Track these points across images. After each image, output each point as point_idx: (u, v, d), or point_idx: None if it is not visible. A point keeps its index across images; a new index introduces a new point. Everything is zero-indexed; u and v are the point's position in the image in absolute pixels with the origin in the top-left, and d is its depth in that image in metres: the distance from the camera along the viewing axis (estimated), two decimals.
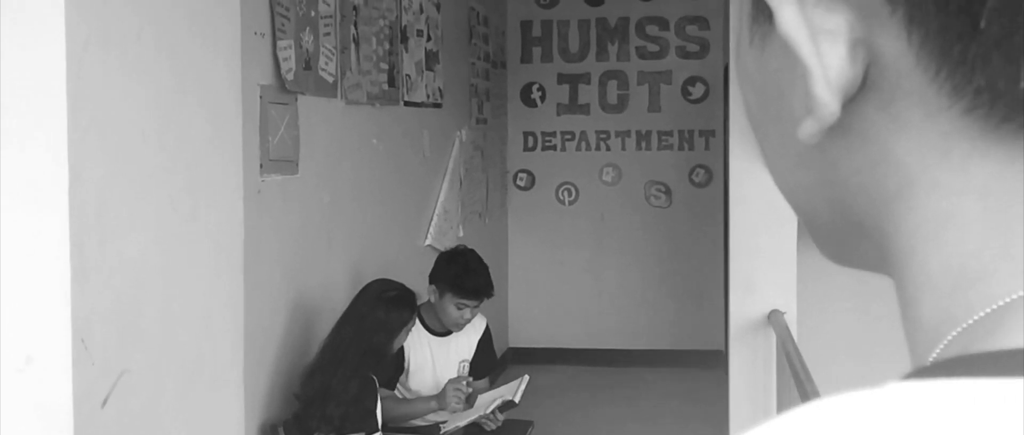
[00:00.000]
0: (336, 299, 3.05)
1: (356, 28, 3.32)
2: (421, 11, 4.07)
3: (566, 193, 5.95)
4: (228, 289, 2.02)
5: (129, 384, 1.67)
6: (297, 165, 2.89)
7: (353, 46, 3.29)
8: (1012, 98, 0.29)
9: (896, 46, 0.31)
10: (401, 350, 3.10)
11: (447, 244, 4.23)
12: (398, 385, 3.23)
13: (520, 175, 5.97)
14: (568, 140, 5.92)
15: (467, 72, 4.96)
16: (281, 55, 2.74)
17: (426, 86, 4.16)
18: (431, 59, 4.22)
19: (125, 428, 1.67)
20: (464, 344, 3.32)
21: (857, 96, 0.32)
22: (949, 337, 0.31)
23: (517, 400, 3.09)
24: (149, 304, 1.73)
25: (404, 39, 3.84)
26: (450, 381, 3.12)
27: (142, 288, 1.71)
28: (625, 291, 5.94)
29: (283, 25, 2.75)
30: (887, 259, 0.34)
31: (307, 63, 2.93)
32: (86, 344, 1.56)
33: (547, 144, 5.94)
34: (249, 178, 2.54)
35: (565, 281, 5.96)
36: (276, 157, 2.74)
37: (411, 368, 3.23)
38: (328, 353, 2.71)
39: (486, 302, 3.32)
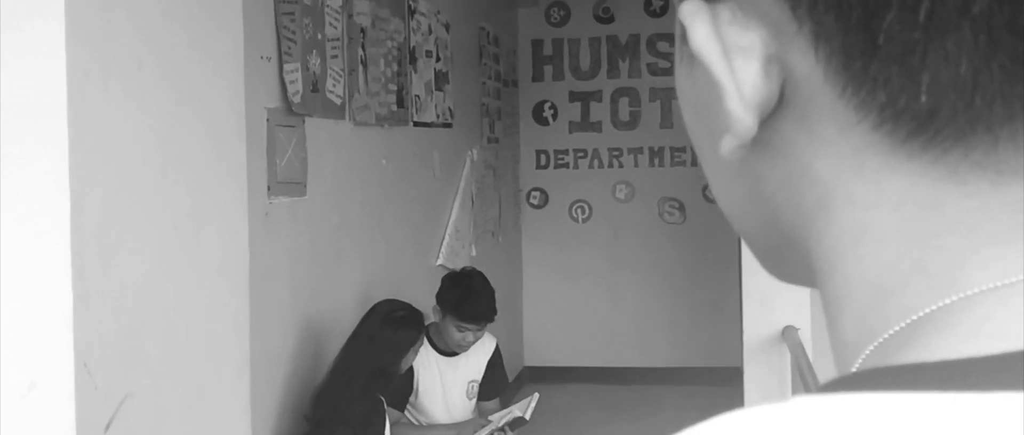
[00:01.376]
0: (346, 320, 3.05)
1: (364, 50, 3.35)
2: (430, 32, 4.09)
3: (579, 211, 5.95)
4: (233, 312, 2.03)
5: (133, 408, 1.68)
6: (305, 187, 2.91)
7: (361, 68, 3.31)
8: (915, 114, 0.29)
9: (805, 63, 0.31)
10: (410, 370, 3.11)
11: (459, 264, 4.24)
12: (408, 406, 3.23)
13: (533, 193, 5.97)
14: (581, 158, 5.92)
15: (478, 92, 4.97)
16: (288, 78, 2.76)
17: (436, 106, 4.18)
18: (441, 79, 4.24)
19: None
20: (474, 364, 3.32)
21: (775, 112, 0.32)
22: (867, 351, 0.31)
23: (528, 417, 3.09)
24: (152, 328, 1.74)
25: (413, 60, 3.86)
26: (474, 421, 3.13)
27: (145, 312, 1.72)
28: (640, 308, 5.92)
29: (289, 48, 2.77)
30: (813, 273, 0.35)
31: (314, 85, 2.95)
32: (89, 368, 1.57)
33: (560, 162, 5.94)
34: (256, 200, 2.56)
35: (580, 299, 5.95)
36: (284, 179, 2.76)
37: (420, 388, 3.23)
38: (336, 375, 2.72)
39: (500, 321, 3.31)
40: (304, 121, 2.89)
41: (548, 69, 5.91)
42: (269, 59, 2.69)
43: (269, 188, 2.68)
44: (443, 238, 4.32)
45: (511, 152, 5.73)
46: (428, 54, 4.07)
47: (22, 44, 1.49)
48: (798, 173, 0.33)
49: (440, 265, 4.17)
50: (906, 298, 0.30)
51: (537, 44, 5.90)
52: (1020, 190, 0.29)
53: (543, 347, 5.95)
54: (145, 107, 1.72)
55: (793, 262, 0.36)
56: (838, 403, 0.27)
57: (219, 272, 1.97)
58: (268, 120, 2.67)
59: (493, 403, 3.39)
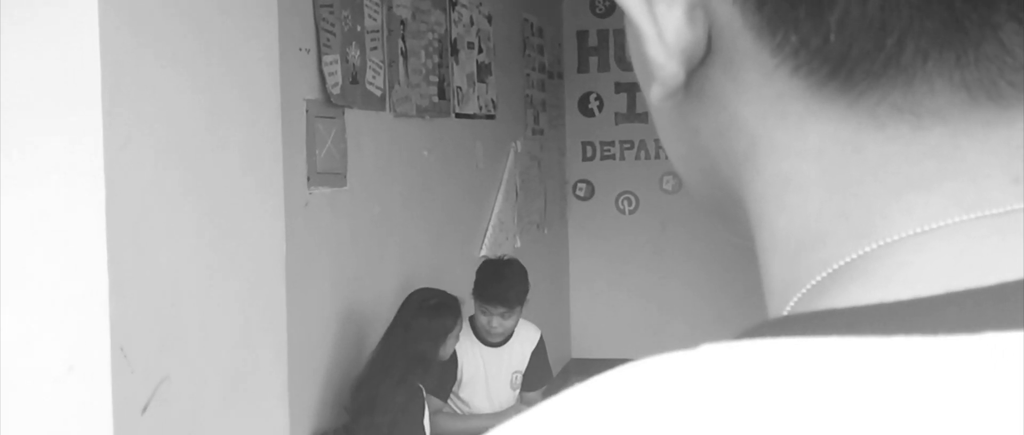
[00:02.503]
0: (386, 311, 3.08)
1: (404, 42, 3.37)
2: (472, 24, 4.10)
3: (626, 202, 5.92)
4: (270, 300, 2.06)
5: (169, 391, 1.72)
6: (345, 177, 2.94)
7: (401, 59, 3.33)
8: (827, 55, 0.28)
9: (725, 7, 0.30)
10: (454, 359, 3.12)
11: (503, 255, 4.24)
12: (451, 395, 3.25)
13: (579, 185, 5.95)
14: (627, 149, 5.89)
15: (522, 83, 4.97)
16: (327, 70, 2.79)
17: (478, 98, 4.18)
18: (483, 71, 4.25)
19: (166, 434, 1.71)
20: (517, 355, 3.33)
21: (706, 60, 0.32)
22: (792, 302, 0.30)
23: None
24: (189, 315, 1.78)
25: (454, 52, 3.88)
26: (518, 407, 3.14)
27: (181, 299, 1.76)
28: (688, 300, 5.87)
29: (328, 40, 2.80)
30: (749, 229, 0.34)
31: (354, 77, 2.97)
32: (125, 352, 1.60)
33: (606, 153, 5.92)
34: (296, 191, 2.59)
35: (627, 291, 5.93)
36: (323, 170, 2.79)
37: (464, 378, 3.25)
38: (375, 364, 2.75)
39: (547, 313, 3.31)
40: (343, 112, 2.92)
41: (593, 60, 5.88)
42: (308, 51, 2.72)
43: (309, 179, 2.71)
44: (487, 229, 4.33)
45: (556, 144, 5.72)
46: (470, 46, 4.08)
47: (57, 33, 1.53)
48: (728, 122, 0.32)
49: (483, 256, 4.19)
50: (829, 248, 0.30)
51: (582, 35, 5.88)
52: (941, 133, 0.28)
53: (590, 339, 5.94)
54: (181, 97, 1.75)
55: (735, 217, 0.36)
56: (741, 349, 0.26)
57: (256, 260, 2.00)
58: (307, 111, 2.70)
59: (536, 394, 3.39)
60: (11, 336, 1.58)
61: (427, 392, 2.94)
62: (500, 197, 4.49)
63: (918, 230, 0.28)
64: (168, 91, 1.71)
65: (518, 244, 4.72)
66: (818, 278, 0.30)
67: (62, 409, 1.57)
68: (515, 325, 3.25)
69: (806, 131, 0.30)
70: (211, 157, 1.84)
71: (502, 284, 3.14)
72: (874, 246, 0.29)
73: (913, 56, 0.27)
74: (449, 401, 3.25)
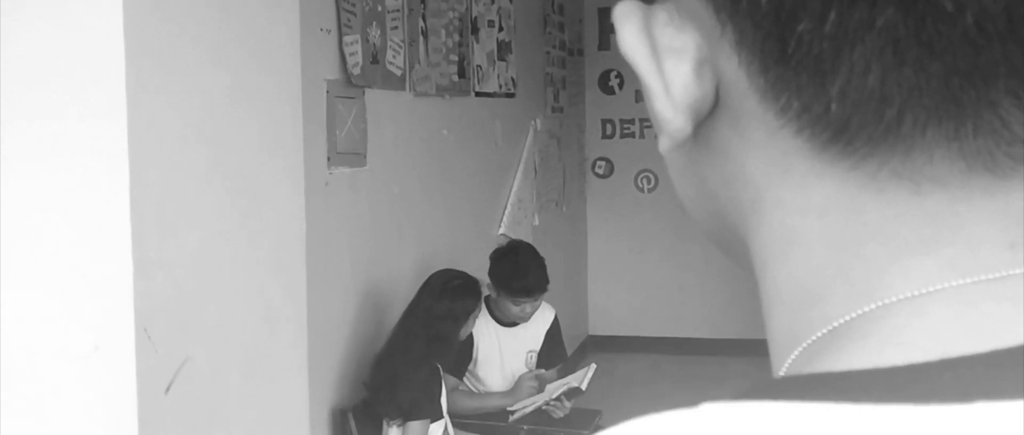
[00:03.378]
0: (406, 289, 3.11)
1: (424, 21, 3.37)
2: (492, 2, 4.09)
3: (645, 180, 5.91)
4: (291, 280, 2.08)
5: (192, 371, 1.75)
6: (365, 157, 2.95)
7: (421, 39, 3.34)
8: (828, 122, 0.29)
9: (731, 66, 0.31)
10: (470, 339, 3.15)
11: (522, 233, 4.26)
12: (467, 374, 3.28)
13: (598, 163, 5.95)
14: (647, 127, 5.87)
15: (542, 61, 4.96)
16: (347, 50, 2.80)
17: (498, 76, 4.18)
18: (503, 49, 4.24)
19: (189, 412, 1.74)
20: (532, 334, 3.35)
21: (714, 113, 0.32)
22: (792, 356, 0.31)
23: (584, 388, 3.10)
24: (211, 295, 1.80)
25: (474, 30, 3.87)
26: (524, 376, 3.16)
27: (204, 280, 1.78)
28: (707, 278, 5.87)
29: (349, 20, 2.81)
30: (752, 267, 0.35)
31: (374, 57, 2.98)
32: (149, 333, 1.63)
33: (626, 131, 5.91)
34: (316, 171, 2.61)
35: (646, 268, 5.93)
36: (344, 150, 2.81)
37: (479, 357, 3.27)
38: (395, 343, 2.77)
39: (565, 290, 3.33)
40: (364, 93, 2.93)
41: (614, 38, 5.84)
42: (329, 31, 2.73)
43: (329, 159, 2.73)
44: (505, 207, 4.34)
45: (576, 121, 5.71)
46: (490, 24, 4.07)
47: (81, 13, 1.55)
48: (735, 174, 0.33)
49: (502, 234, 4.20)
50: (829, 305, 0.30)
51: (604, 12, 5.85)
52: (940, 200, 0.29)
53: (608, 316, 5.95)
54: (204, 77, 1.77)
55: (740, 255, 0.37)
56: (741, 411, 0.27)
57: (277, 240, 2.02)
58: (328, 92, 2.71)
59: (552, 372, 3.41)
60: (37, 316, 1.61)
61: (443, 371, 2.97)
62: (519, 175, 4.50)
63: (915, 293, 0.29)
64: (191, 71, 1.73)
65: (536, 222, 4.73)
66: (818, 334, 0.30)
67: (87, 388, 1.60)
68: (540, 304, 3.29)
69: (809, 190, 0.31)
70: (233, 138, 1.86)
71: (529, 277, 3.16)
72: (872, 307, 0.29)
73: (912, 127, 0.28)
74: (464, 380, 3.28)
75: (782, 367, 0.31)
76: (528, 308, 3.21)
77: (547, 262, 3.28)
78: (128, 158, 1.57)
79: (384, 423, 2.70)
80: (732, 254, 0.38)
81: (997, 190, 0.29)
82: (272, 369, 2.03)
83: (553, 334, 3.41)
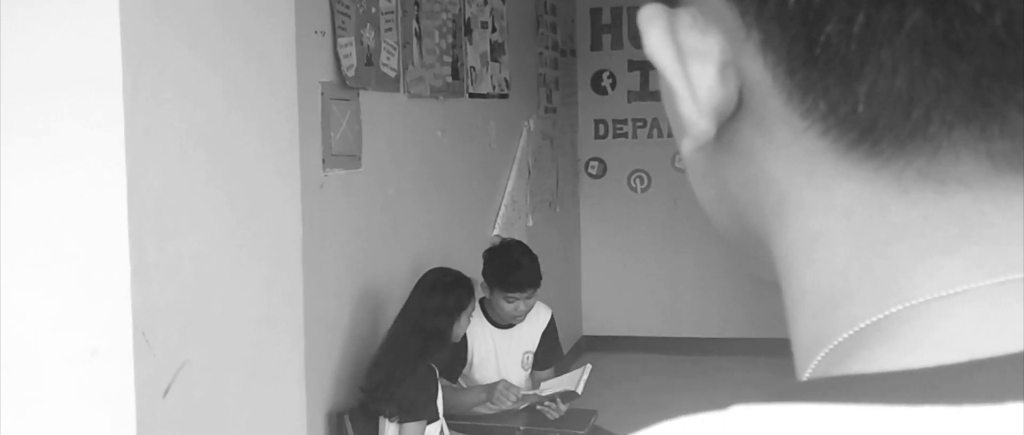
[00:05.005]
0: (402, 291, 3.11)
1: (418, 22, 3.37)
2: (485, 3, 4.10)
3: (638, 180, 5.93)
4: (287, 283, 2.08)
5: (190, 374, 1.75)
6: (360, 159, 2.96)
7: (415, 41, 3.34)
8: (854, 123, 0.29)
9: (756, 68, 0.31)
10: (464, 342, 3.14)
11: (516, 233, 4.26)
12: (461, 378, 3.27)
13: (591, 163, 5.96)
14: (639, 127, 5.89)
15: (535, 62, 4.97)
16: (342, 52, 2.80)
17: (492, 77, 4.19)
18: (496, 50, 4.25)
19: (186, 415, 1.74)
20: (528, 335, 3.35)
21: (736, 115, 0.33)
22: (818, 358, 0.31)
23: (579, 391, 3.11)
24: (209, 299, 1.81)
25: (468, 32, 3.88)
26: (503, 382, 3.14)
27: (202, 284, 1.78)
28: (700, 278, 5.89)
29: (343, 23, 2.81)
30: (776, 274, 0.35)
31: (369, 59, 2.99)
32: (147, 337, 1.63)
33: (618, 132, 5.92)
34: (311, 174, 2.61)
35: (639, 268, 5.94)
36: (338, 152, 2.81)
37: (474, 360, 3.27)
38: (390, 343, 2.78)
39: (558, 290, 3.32)
40: (358, 95, 2.94)
41: (606, 38, 5.87)
42: (323, 34, 2.73)
43: (324, 161, 2.73)
44: (499, 208, 4.35)
45: (569, 122, 5.72)
46: (483, 25, 4.08)
47: (77, 17, 1.55)
48: (758, 176, 0.33)
49: (496, 235, 4.20)
50: (855, 306, 0.30)
51: (595, 13, 5.86)
52: (965, 199, 0.29)
53: (601, 316, 5.96)
54: (201, 81, 1.77)
55: (763, 260, 0.37)
56: (772, 414, 0.27)
57: (274, 244, 2.03)
58: (322, 94, 2.72)
59: (547, 373, 3.41)
60: (36, 321, 1.61)
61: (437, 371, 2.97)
62: (513, 176, 4.51)
63: (942, 293, 0.29)
64: (188, 76, 1.73)
65: (530, 223, 4.73)
66: (845, 335, 0.30)
67: (86, 393, 1.61)
68: (534, 303, 3.28)
69: (834, 190, 0.31)
70: (230, 141, 1.86)
71: (521, 271, 3.16)
72: (899, 308, 0.29)
73: (939, 127, 0.28)
74: (458, 382, 3.27)
75: (807, 370, 0.31)
76: (522, 305, 3.20)
77: (541, 263, 3.28)
78: (125, 162, 1.57)
79: (380, 422, 2.70)
80: (753, 259, 0.38)
81: (1021, 191, 0.29)
82: (269, 372, 2.03)
83: (549, 334, 3.41)
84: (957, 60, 0.27)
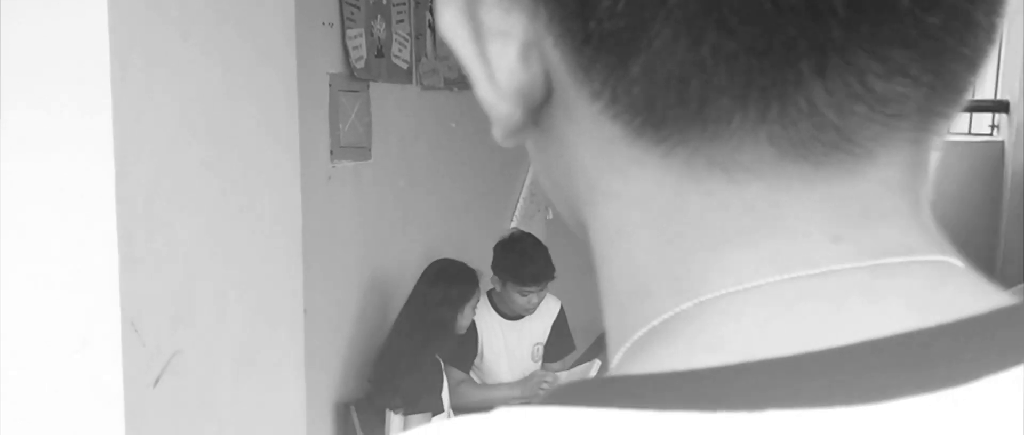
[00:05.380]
0: (410, 284, 3.10)
1: (432, 14, 3.35)
2: None
3: None
4: (286, 275, 2.08)
5: (181, 365, 1.75)
6: (370, 151, 2.95)
7: (429, 32, 3.33)
8: (633, 106, 0.27)
9: (550, 50, 0.29)
10: (475, 332, 3.14)
11: (534, 227, 4.24)
12: (473, 368, 3.27)
13: None
14: None
15: None
16: (350, 44, 2.79)
17: None
18: None
19: (177, 406, 1.74)
20: (538, 327, 3.33)
21: (551, 100, 0.31)
22: (620, 353, 0.30)
23: None
24: (202, 290, 1.80)
25: None
26: (538, 374, 3.16)
27: (194, 275, 1.78)
28: None
29: (352, 14, 2.80)
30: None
31: (379, 50, 2.97)
32: (136, 327, 1.63)
33: None
34: (319, 165, 2.61)
35: None
36: (347, 143, 2.80)
37: (484, 352, 3.27)
38: (396, 335, 2.77)
39: (578, 284, 3.30)
40: (368, 86, 2.93)
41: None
42: (331, 25, 2.72)
43: (332, 152, 2.72)
44: (517, 201, 4.33)
45: None
46: None
47: (64, 7, 1.55)
48: (571, 163, 0.32)
49: (514, 228, 4.18)
50: (652, 301, 0.29)
51: None
52: (758, 189, 0.27)
53: None
54: (195, 69, 1.76)
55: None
56: (529, 416, 0.26)
57: (271, 234, 2.02)
58: (330, 85, 2.71)
59: (558, 365, 3.40)
60: (24, 311, 1.62)
61: (448, 363, 2.97)
62: (532, 168, 4.48)
63: (733, 289, 0.27)
64: (181, 63, 1.73)
65: (550, 216, 4.71)
66: (641, 332, 0.29)
67: (75, 383, 1.61)
68: (545, 295, 3.27)
69: (632, 179, 0.29)
70: (227, 131, 1.86)
71: (535, 264, 3.15)
72: (690, 304, 0.28)
73: (717, 111, 0.26)
74: (471, 373, 3.27)
75: (613, 362, 0.30)
76: (535, 298, 3.19)
77: (561, 256, 3.26)
78: (113, 152, 1.57)
79: (387, 413, 2.70)
80: (586, 245, 0.36)
81: (817, 179, 0.27)
82: (267, 363, 2.03)
83: (560, 326, 3.39)
84: (725, 37, 0.25)
